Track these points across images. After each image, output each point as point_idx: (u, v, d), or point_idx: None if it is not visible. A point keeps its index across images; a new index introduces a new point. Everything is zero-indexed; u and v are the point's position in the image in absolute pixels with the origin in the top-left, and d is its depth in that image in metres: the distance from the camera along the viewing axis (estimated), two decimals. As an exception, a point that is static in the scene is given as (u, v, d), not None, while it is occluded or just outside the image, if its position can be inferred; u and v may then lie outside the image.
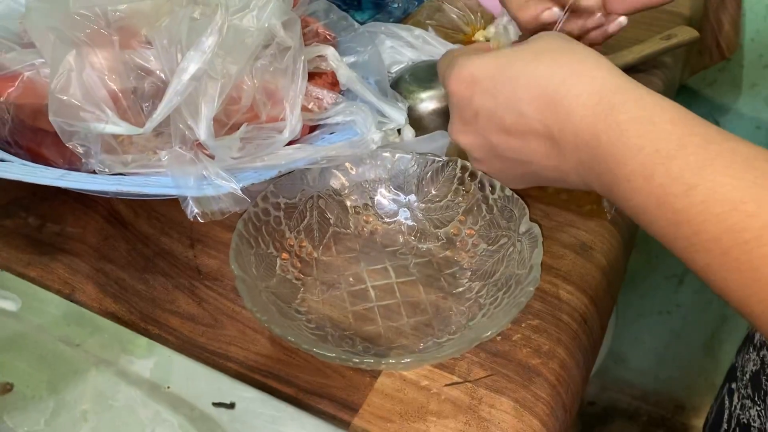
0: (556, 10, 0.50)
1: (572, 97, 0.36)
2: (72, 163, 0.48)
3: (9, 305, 0.38)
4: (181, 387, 0.35)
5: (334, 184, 0.52)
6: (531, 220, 0.47)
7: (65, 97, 0.41)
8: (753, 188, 0.30)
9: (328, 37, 0.60)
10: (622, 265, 0.56)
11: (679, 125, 0.33)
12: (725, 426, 0.58)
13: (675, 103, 0.35)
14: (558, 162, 0.38)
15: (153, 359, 0.36)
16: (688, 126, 0.33)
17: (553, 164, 0.38)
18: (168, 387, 0.35)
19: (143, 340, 0.37)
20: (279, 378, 0.43)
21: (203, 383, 0.36)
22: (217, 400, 0.35)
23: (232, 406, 0.35)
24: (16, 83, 0.47)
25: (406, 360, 0.38)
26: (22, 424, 0.32)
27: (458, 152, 0.53)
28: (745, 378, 0.56)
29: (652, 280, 1.27)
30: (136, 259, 0.50)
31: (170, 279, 0.49)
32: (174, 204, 0.45)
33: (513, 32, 0.64)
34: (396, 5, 0.76)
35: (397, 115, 0.53)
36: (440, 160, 0.52)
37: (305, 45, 0.56)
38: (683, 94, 1.00)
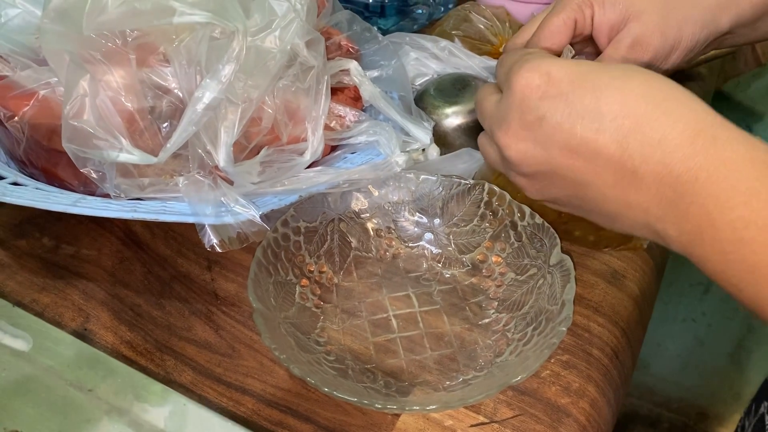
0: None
1: (668, 123, 0.31)
2: (88, 185, 0.46)
3: (20, 344, 0.36)
4: (197, 440, 0.34)
5: (356, 206, 0.50)
6: (561, 249, 0.45)
7: (78, 124, 0.40)
8: None
9: (351, 50, 0.58)
10: (654, 292, 0.54)
11: None
12: None
13: None
14: (624, 194, 0.33)
15: (168, 407, 0.35)
16: None
17: (617, 195, 0.33)
18: (183, 439, 0.34)
19: (158, 387, 0.36)
20: (297, 414, 0.42)
21: (219, 435, 0.34)
22: (233, 456, 0.33)
23: (249, 462, 0.33)
24: (31, 102, 0.46)
25: (431, 406, 0.36)
26: (31, 478, 0.31)
27: (494, 175, 0.51)
28: None
29: (677, 287, 1.24)
30: (152, 283, 0.48)
31: (187, 304, 0.47)
32: (191, 224, 0.43)
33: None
34: (420, 11, 0.74)
35: (422, 135, 0.51)
36: (466, 183, 0.50)
37: (328, 58, 0.54)
38: (716, 99, 0.97)
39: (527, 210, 0.47)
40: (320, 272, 0.48)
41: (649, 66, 0.47)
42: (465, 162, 0.55)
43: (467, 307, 0.47)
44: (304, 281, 0.47)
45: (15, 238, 0.50)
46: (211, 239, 0.42)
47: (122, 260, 0.49)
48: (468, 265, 0.49)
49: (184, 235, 0.52)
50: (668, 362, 1.36)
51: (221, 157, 0.42)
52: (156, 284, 0.48)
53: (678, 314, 1.29)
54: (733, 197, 0.29)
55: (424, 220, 0.51)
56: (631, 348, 0.49)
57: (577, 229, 0.49)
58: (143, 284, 0.48)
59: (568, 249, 0.49)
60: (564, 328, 0.40)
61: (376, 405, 0.36)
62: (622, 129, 0.32)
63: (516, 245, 0.48)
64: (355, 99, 0.55)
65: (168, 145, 0.39)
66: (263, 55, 0.42)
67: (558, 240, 0.45)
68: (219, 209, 0.43)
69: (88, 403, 0.34)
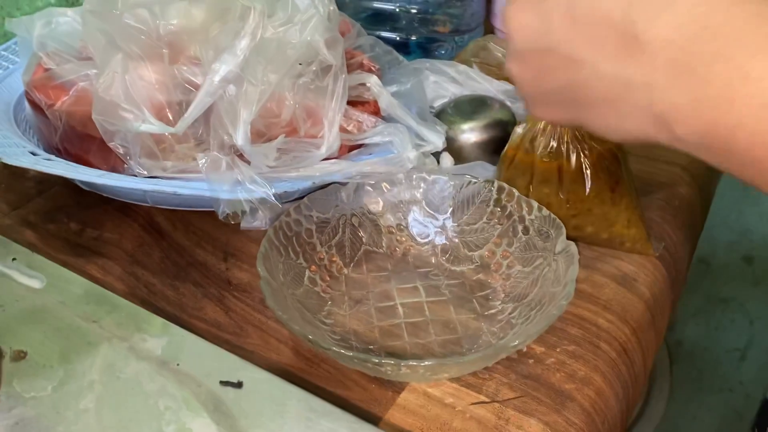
0: None
1: None
2: (115, 169, 0.49)
3: (34, 283, 0.38)
4: (191, 365, 0.34)
5: (369, 203, 0.52)
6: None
7: (108, 97, 0.43)
8: None
9: (372, 68, 0.61)
10: (668, 301, 0.53)
11: None
12: None
13: None
14: (623, 67, 0.30)
15: (166, 338, 0.36)
16: None
17: (615, 71, 0.30)
18: (177, 364, 0.34)
19: (159, 320, 0.37)
20: (299, 388, 0.42)
21: (214, 362, 0.35)
22: (225, 379, 0.34)
23: (239, 385, 0.34)
24: (71, 92, 0.50)
25: (426, 362, 0.36)
26: (30, 389, 0.32)
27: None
28: None
29: (711, 353, 1.20)
30: (168, 266, 0.50)
31: (200, 288, 0.49)
32: (211, 218, 0.45)
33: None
34: (443, 51, 0.78)
35: (435, 138, 0.53)
36: (476, 182, 0.51)
37: (349, 74, 0.57)
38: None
39: (535, 204, 0.48)
40: (330, 261, 0.49)
41: None
42: (478, 174, 0.56)
43: (474, 300, 0.47)
44: (314, 267, 0.48)
45: (45, 223, 0.53)
46: (225, 210, 0.43)
47: (142, 245, 0.51)
48: (476, 262, 0.50)
49: (204, 229, 0.54)
50: (705, 437, 1.29)
51: (240, 134, 0.44)
52: (172, 268, 0.50)
53: (714, 384, 1.24)
54: (760, 44, 0.25)
55: (435, 218, 0.52)
56: (642, 350, 0.48)
57: (588, 224, 0.50)
58: (160, 267, 0.50)
59: (580, 249, 0.49)
60: (564, 302, 0.40)
61: (373, 360, 0.36)
62: None
63: (523, 239, 0.48)
64: (375, 114, 0.58)
65: (185, 116, 0.42)
66: (283, 45, 0.46)
67: (563, 229, 0.45)
68: (235, 186, 0.45)
69: (91, 331, 0.35)
